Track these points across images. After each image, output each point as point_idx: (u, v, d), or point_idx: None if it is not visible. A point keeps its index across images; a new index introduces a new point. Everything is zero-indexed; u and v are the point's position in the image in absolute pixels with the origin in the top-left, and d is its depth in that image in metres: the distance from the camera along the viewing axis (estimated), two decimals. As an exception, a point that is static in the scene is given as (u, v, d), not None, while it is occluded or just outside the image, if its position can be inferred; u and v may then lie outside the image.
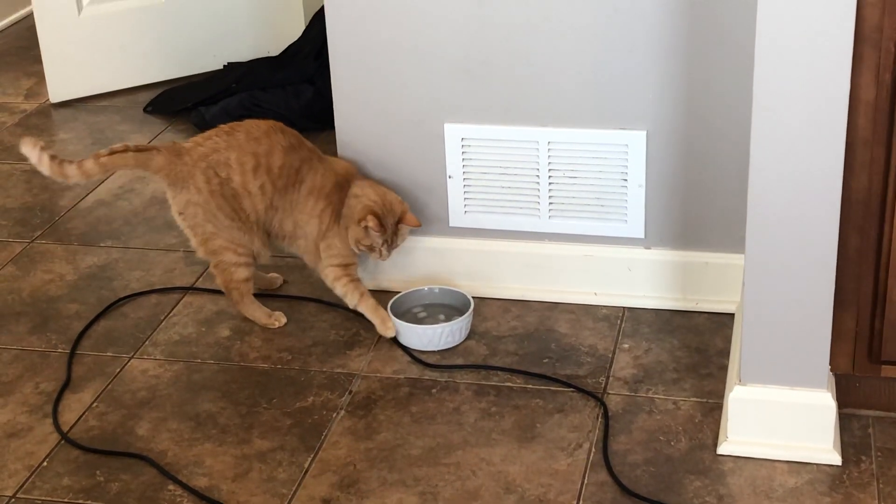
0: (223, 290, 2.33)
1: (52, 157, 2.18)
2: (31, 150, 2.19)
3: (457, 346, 2.24)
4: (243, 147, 2.23)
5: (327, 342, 2.28)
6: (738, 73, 2.12)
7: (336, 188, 2.25)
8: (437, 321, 2.26)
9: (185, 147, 2.26)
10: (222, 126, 2.28)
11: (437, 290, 2.33)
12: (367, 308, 2.26)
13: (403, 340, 2.24)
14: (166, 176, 2.25)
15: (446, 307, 2.31)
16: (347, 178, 2.27)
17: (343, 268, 2.26)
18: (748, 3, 2.03)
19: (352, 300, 2.27)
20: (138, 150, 2.23)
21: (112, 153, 2.20)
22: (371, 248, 2.24)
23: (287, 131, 2.28)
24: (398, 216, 2.23)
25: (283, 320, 2.33)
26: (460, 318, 2.23)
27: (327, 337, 2.30)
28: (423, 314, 2.30)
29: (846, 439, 1.94)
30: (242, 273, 2.29)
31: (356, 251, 2.26)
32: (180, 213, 2.28)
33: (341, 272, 2.26)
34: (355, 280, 2.27)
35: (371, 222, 2.19)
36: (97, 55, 3.41)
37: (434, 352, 2.23)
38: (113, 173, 2.25)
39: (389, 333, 2.24)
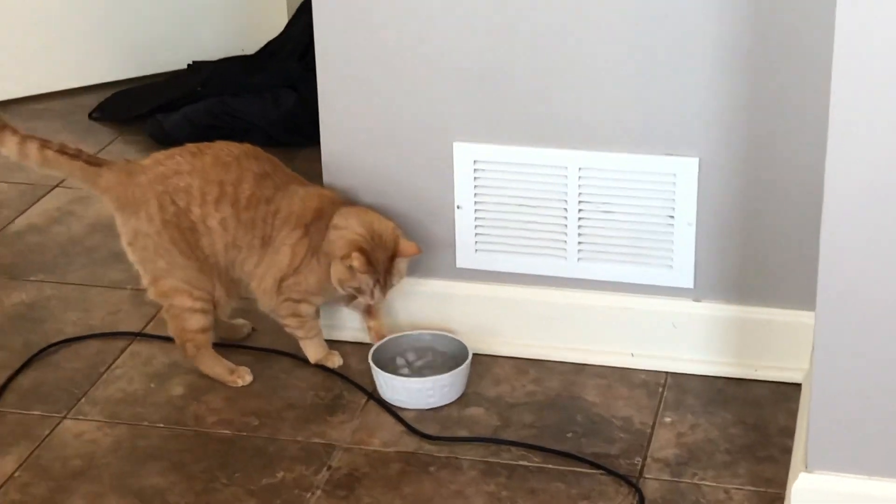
0: (175, 340, 2.35)
1: None
2: None
3: (457, 412, 2.25)
4: (208, 174, 2.26)
5: (303, 405, 2.29)
6: (812, 91, 2.13)
7: (317, 216, 2.27)
8: (429, 371, 2.31)
9: (141, 166, 2.29)
10: (189, 145, 2.31)
11: (427, 336, 2.37)
12: (308, 346, 2.36)
13: (382, 394, 2.28)
14: (115, 198, 2.28)
15: (442, 356, 2.35)
16: (334, 205, 2.29)
17: (296, 303, 2.29)
18: (828, 10, 2.05)
19: (298, 333, 2.35)
20: (89, 161, 2.27)
21: (61, 152, 2.25)
22: (360, 291, 2.26)
23: (262, 157, 2.30)
24: (391, 249, 2.24)
25: (249, 378, 2.35)
26: (454, 371, 2.26)
27: (303, 399, 2.31)
28: (418, 363, 2.35)
29: (935, 542, 1.94)
30: (198, 321, 2.30)
31: (342, 292, 2.28)
32: (129, 244, 2.30)
33: (295, 308, 2.30)
34: (309, 319, 2.33)
35: (357, 261, 2.20)
36: (34, 49, 3.44)
37: (432, 421, 2.24)
38: (54, 172, 2.30)
39: (333, 362, 2.36)
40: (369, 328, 2.38)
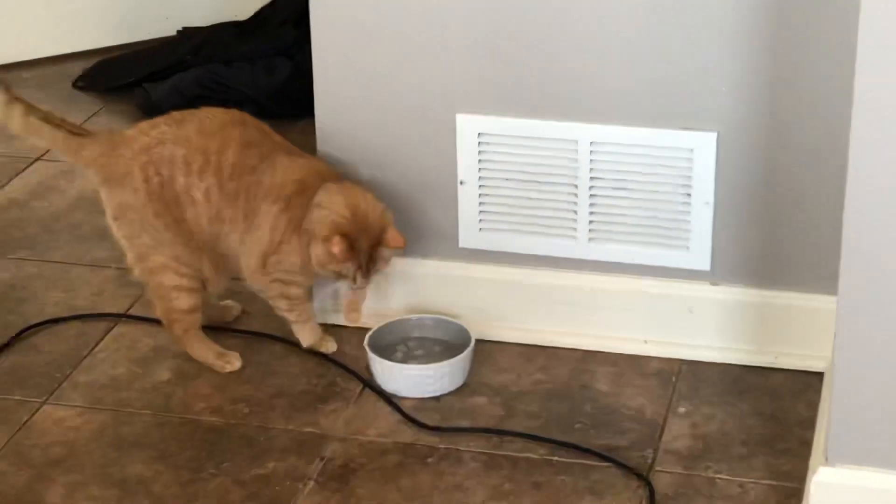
0: (162, 321, 2.35)
1: None
2: None
3: (458, 402, 2.26)
4: (192, 142, 2.26)
5: (295, 393, 2.29)
6: (839, 62, 2.12)
7: (299, 189, 2.25)
8: (429, 358, 2.32)
9: (125, 136, 2.30)
10: (174, 113, 2.32)
11: (428, 322, 2.37)
12: (301, 330, 2.34)
13: (379, 381, 2.28)
14: (99, 171, 2.29)
15: (443, 342, 2.35)
16: (319, 178, 2.27)
17: (285, 284, 2.29)
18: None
19: (289, 317, 2.35)
20: (72, 132, 2.29)
21: (46, 120, 2.27)
22: (340, 276, 2.25)
23: (249, 123, 2.30)
24: (377, 236, 2.23)
25: (238, 363, 2.35)
26: (456, 358, 2.26)
27: (295, 386, 2.31)
28: (418, 351, 2.35)
29: (963, 541, 1.93)
30: (186, 301, 2.31)
31: (321, 274, 2.27)
32: (115, 219, 2.31)
33: (284, 289, 2.29)
34: (300, 301, 2.32)
35: (337, 246, 2.19)
36: (16, 14, 3.44)
37: (432, 410, 2.24)
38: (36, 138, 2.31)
39: (327, 348, 2.35)
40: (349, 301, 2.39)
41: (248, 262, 2.29)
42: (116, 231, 2.32)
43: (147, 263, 2.31)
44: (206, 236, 2.29)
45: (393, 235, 2.23)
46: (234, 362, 2.35)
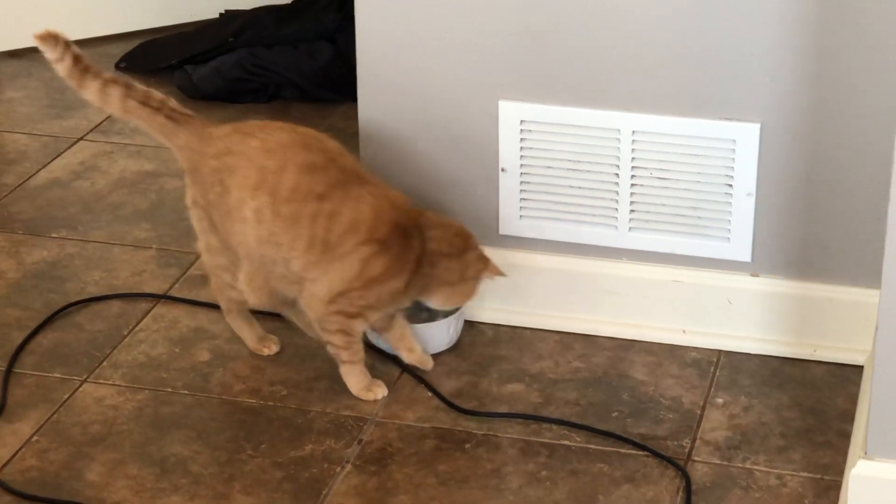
0: (213, 293, 2.36)
1: (77, 59, 2.23)
2: (50, 46, 2.22)
3: (496, 388, 2.27)
4: (252, 158, 2.18)
5: (333, 376, 2.30)
6: (885, 54, 2.12)
7: (397, 233, 2.17)
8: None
9: (211, 135, 2.23)
10: (251, 123, 2.25)
11: None
12: (350, 373, 2.29)
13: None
14: (185, 160, 2.26)
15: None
16: (408, 216, 2.20)
17: (349, 318, 2.23)
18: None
19: (342, 356, 2.28)
20: (170, 117, 2.23)
21: (144, 103, 2.22)
22: None
23: (314, 146, 2.20)
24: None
25: (276, 348, 2.37)
26: (443, 321, 2.33)
27: (333, 370, 2.32)
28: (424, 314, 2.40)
29: None
30: (238, 296, 2.29)
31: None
32: (190, 208, 2.29)
33: (347, 324, 2.24)
34: (357, 339, 2.27)
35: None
36: (59, -7, 3.47)
37: (470, 396, 2.26)
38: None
39: (376, 394, 2.29)
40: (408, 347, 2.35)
41: (315, 291, 2.20)
42: (191, 218, 2.30)
43: (208, 260, 2.30)
44: (253, 255, 2.21)
45: None
46: (272, 347, 2.36)
